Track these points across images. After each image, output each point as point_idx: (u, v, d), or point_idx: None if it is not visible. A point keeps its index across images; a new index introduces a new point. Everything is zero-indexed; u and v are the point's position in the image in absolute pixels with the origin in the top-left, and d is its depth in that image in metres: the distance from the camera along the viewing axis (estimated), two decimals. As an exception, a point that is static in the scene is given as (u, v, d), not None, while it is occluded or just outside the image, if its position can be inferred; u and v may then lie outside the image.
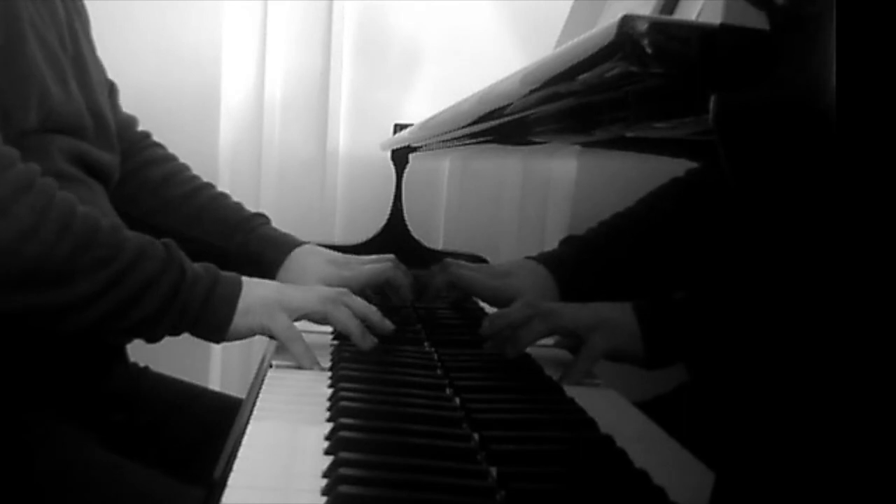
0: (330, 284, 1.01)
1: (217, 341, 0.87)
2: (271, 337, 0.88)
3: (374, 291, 1.08)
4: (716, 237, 0.66)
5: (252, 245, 1.08)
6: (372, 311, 0.89)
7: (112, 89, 1.14)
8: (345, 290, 0.91)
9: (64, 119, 0.90)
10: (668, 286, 0.80)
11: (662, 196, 0.81)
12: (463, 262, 1.07)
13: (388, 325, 0.90)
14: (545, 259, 1.00)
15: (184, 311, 0.83)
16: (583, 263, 0.98)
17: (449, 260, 1.06)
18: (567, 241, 1.01)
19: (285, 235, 1.11)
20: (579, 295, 0.93)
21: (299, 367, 0.85)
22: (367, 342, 0.87)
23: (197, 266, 0.86)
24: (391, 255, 1.08)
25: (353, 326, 0.87)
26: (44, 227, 0.75)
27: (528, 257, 1.01)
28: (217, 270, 0.87)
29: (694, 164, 0.73)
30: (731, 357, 0.59)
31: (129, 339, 0.86)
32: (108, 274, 0.79)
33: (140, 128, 1.20)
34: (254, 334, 0.87)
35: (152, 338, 0.85)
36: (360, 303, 0.89)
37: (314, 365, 0.85)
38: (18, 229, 0.74)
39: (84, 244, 0.78)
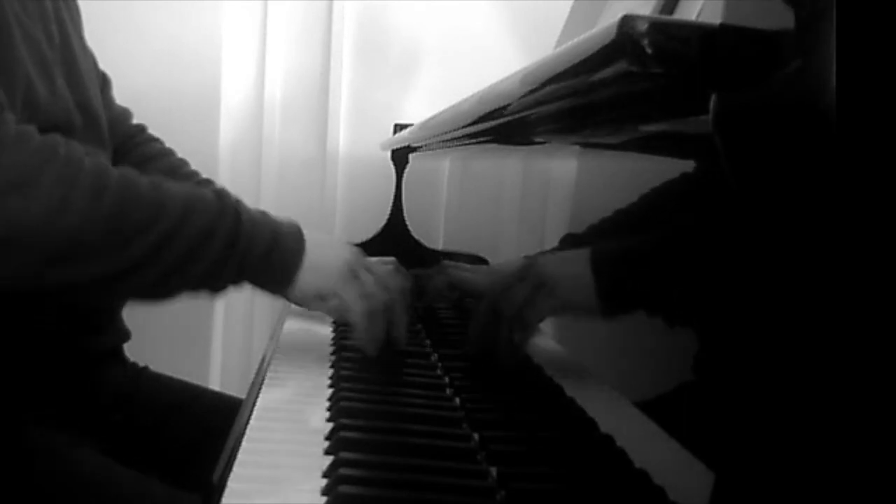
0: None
1: (283, 294, 0.83)
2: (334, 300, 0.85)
3: None
4: (716, 236, 0.66)
5: None
6: (403, 324, 0.87)
7: (105, 81, 1.13)
8: (401, 301, 0.88)
9: (51, 116, 0.88)
10: (672, 283, 0.79)
11: (661, 194, 0.81)
12: (461, 264, 1.07)
13: (401, 343, 0.87)
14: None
15: (244, 259, 0.79)
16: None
17: (447, 262, 1.06)
18: (566, 240, 1.02)
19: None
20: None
21: (300, 368, 0.84)
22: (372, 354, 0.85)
23: (255, 212, 0.82)
24: (392, 259, 1.08)
25: (368, 349, 0.85)
26: (75, 198, 0.71)
27: (526, 257, 1.02)
28: (276, 220, 0.83)
29: (694, 165, 0.73)
30: (732, 357, 0.59)
31: (197, 291, 0.80)
32: (156, 235, 0.75)
33: (135, 121, 1.19)
34: (317, 294, 0.84)
35: (217, 289, 0.81)
36: (401, 321, 0.87)
37: (375, 349, 0.83)
38: (48, 206, 0.70)
39: (124, 207, 0.74)
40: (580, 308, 0.82)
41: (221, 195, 0.81)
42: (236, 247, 0.78)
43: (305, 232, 0.84)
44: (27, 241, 0.69)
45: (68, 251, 0.72)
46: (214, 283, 0.80)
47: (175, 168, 1.16)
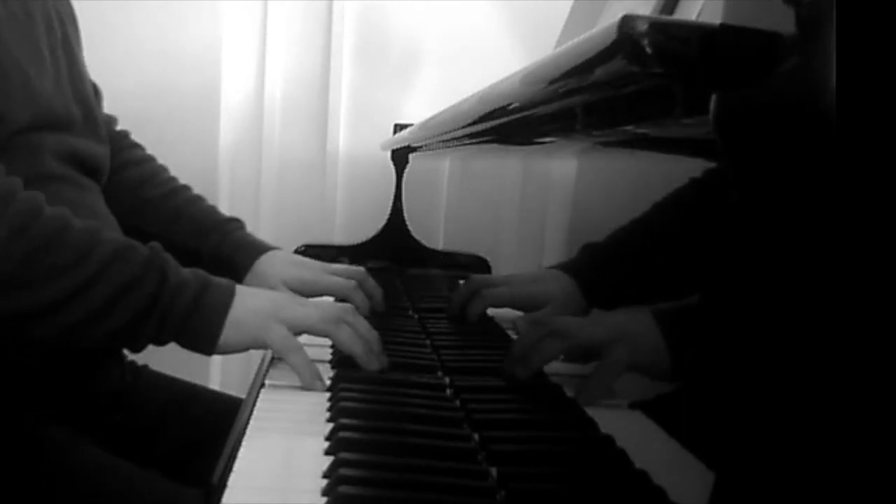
0: (290, 284, 1.02)
1: (208, 353, 0.82)
2: (267, 349, 0.83)
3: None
4: (721, 238, 0.66)
5: (225, 248, 1.08)
6: (374, 338, 0.83)
7: (96, 92, 1.14)
8: (349, 307, 0.86)
9: (52, 114, 0.88)
10: (687, 288, 0.79)
11: (678, 199, 0.81)
12: (488, 277, 1.07)
13: (383, 359, 0.83)
14: (566, 267, 1.00)
15: (164, 319, 0.78)
16: (603, 268, 0.97)
17: (475, 277, 1.06)
18: (586, 248, 1.02)
19: (257, 240, 1.12)
20: (603, 300, 0.93)
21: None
22: (373, 363, 0.81)
23: (186, 272, 0.81)
24: (361, 269, 1.07)
25: (357, 348, 0.81)
26: None
27: (549, 267, 1.02)
28: (208, 277, 0.81)
29: (694, 165, 0.73)
30: (732, 357, 0.59)
31: (112, 347, 0.81)
32: (71, 281, 0.74)
33: (126, 125, 1.19)
34: (247, 348, 0.82)
35: (134, 347, 0.81)
36: (363, 324, 0.83)
37: (315, 379, 0.78)
38: None
39: (45, 247, 0.74)
40: (651, 369, 0.79)
41: (154, 251, 0.80)
42: (156, 306, 0.77)
43: (238, 289, 0.82)
44: None
45: None
46: (132, 339, 0.79)
47: (154, 174, 1.16)
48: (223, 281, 0.82)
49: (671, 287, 0.80)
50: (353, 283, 1.03)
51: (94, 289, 0.75)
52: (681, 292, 0.77)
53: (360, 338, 0.82)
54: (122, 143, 1.16)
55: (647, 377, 0.80)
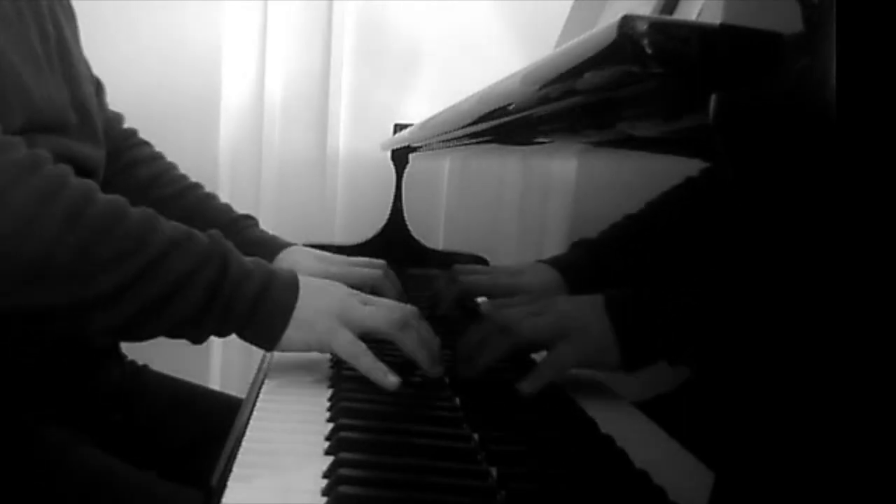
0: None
1: (268, 349, 0.79)
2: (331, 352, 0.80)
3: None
4: (720, 237, 0.66)
5: (242, 247, 1.07)
6: (436, 343, 0.81)
7: (99, 87, 1.13)
8: (414, 309, 0.82)
9: (47, 115, 0.87)
10: (676, 286, 0.79)
11: (672, 197, 0.81)
12: (470, 267, 1.07)
13: (438, 369, 0.81)
14: (554, 261, 1.00)
15: (228, 312, 0.74)
16: (592, 265, 0.97)
17: (458, 267, 1.05)
18: (577, 245, 1.02)
19: (274, 237, 1.11)
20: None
21: (300, 368, 0.84)
22: (437, 369, 0.79)
23: (248, 262, 0.77)
24: (382, 262, 1.06)
25: (421, 355, 0.79)
26: (50, 215, 0.67)
27: (538, 261, 1.02)
28: (270, 269, 0.78)
29: (693, 165, 0.73)
30: (733, 357, 0.59)
31: (176, 338, 0.75)
32: (131, 269, 0.70)
33: (126, 125, 1.19)
34: (310, 350, 0.79)
35: (197, 339, 0.77)
36: (427, 329, 0.81)
37: (386, 377, 0.76)
38: (19, 218, 0.66)
39: (101, 235, 0.70)
40: (601, 364, 0.78)
41: (214, 239, 0.76)
42: (217, 298, 0.74)
43: (302, 281, 0.79)
44: None
45: (35, 272, 0.68)
46: (193, 331, 0.75)
47: (163, 171, 1.15)
48: (287, 274, 0.79)
49: (661, 283, 0.80)
50: (380, 272, 1.02)
51: (150, 280, 0.71)
52: (670, 291, 0.77)
53: (424, 343, 0.80)
54: (129, 141, 1.16)
55: (597, 369, 0.80)
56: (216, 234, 0.78)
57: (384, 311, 0.80)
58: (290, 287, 0.78)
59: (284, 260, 1.05)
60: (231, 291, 0.74)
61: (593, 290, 0.91)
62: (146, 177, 1.12)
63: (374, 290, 1.01)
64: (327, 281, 0.84)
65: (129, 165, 1.12)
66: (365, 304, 0.81)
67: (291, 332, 0.77)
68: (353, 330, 0.78)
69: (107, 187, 1.05)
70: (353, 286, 0.94)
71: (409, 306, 0.83)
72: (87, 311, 0.71)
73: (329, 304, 0.78)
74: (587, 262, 0.98)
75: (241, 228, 1.10)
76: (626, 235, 0.89)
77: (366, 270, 1.03)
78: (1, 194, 0.66)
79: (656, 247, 0.83)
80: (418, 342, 0.79)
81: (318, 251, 1.08)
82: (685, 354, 0.73)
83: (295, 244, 1.09)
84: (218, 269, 0.74)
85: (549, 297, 0.88)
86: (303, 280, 0.79)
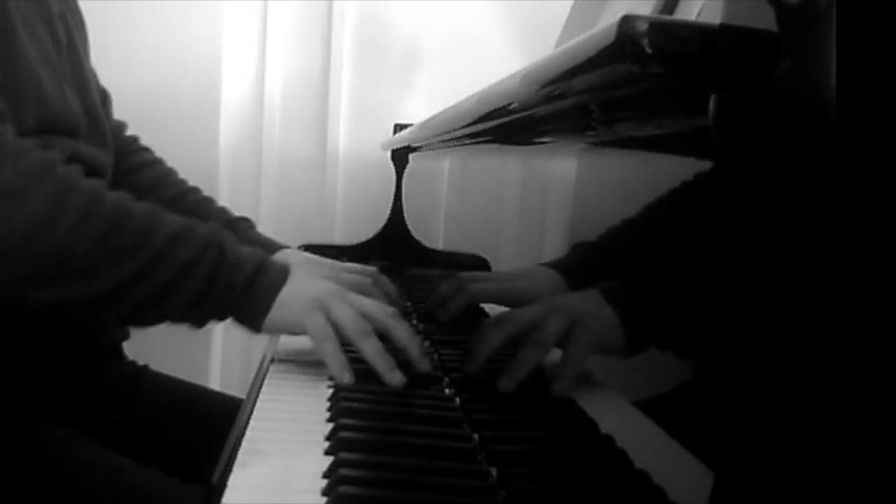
0: None
1: (255, 330, 0.82)
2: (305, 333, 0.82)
3: None
4: (720, 236, 0.66)
5: None
6: (416, 343, 0.81)
7: (105, 98, 1.14)
8: (394, 310, 0.84)
9: (60, 119, 0.89)
10: (675, 285, 0.79)
11: (672, 198, 0.81)
12: (476, 274, 1.07)
13: (426, 364, 0.81)
14: (556, 264, 1.00)
15: (224, 296, 0.79)
16: (593, 267, 0.97)
17: (463, 275, 1.06)
18: (577, 247, 1.02)
19: (269, 239, 1.12)
20: None
21: (300, 368, 0.84)
22: (396, 379, 0.78)
23: (245, 250, 0.82)
24: (374, 269, 1.07)
25: (380, 365, 0.79)
26: (64, 214, 0.72)
27: (539, 264, 1.02)
28: (265, 256, 0.83)
29: (694, 164, 0.73)
30: (733, 357, 0.59)
31: (179, 323, 0.80)
32: (139, 262, 0.75)
33: (129, 132, 1.21)
34: (288, 330, 0.82)
35: (199, 323, 0.81)
36: (406, 328, 0.82)
37: (343, 371, 0.78)
38: (36, 218, 0.70)
39: (110, 231, 0.74)
40: (610, 348, 0.79)
41: (213, 230, 0.81)
42: (215, 284, 0.78)
43: (293, 270, 0.82)
44: (12, 253, 0.70)
45: (51, 269, 0.72)
46: (196, 317, 0.80)
47: (165, 176, 1.18)
48: (280, 261, 0.84)
49: (656, 274, 0.80)
50: (369, 279, 1.03)
51: (157, 270, 0.76)
52: (668, 277, 0.78)
53: (385, 354, 0.80)
54: (131, 147, 1.18)
55: (606, 354, 0.80)
56: (214, 224, 0.82)
57: (354, 316, 0.81)
58: (279, 272, 0.82)
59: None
60: (228, 277, 0.79)
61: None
62: (147, 181, 1.15)
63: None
64: (320, 278, 0.86)
65: (132, 170, 1.14)
66: (347, 304, 0.82)
67: (275, 312, 0.80)
68: (328, 316, 0.80)
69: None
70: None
71: (390, 308, 0.85)
72: (99, 303, 0.75)
73: (312, 291, 0.82)
74: (589, 264, 0.98)
75: (237, 231, 1.11)
76: (628, 237, 0.89)
77: (355, 277, 1.03)
78: (21, 196, 0.71)
79: (658, 248, 0.83)
80: (377, 353, 0.79)
81: (311, 255, 1.09)
82: (682, 340, 0.73)
83: (289, 247, 1.10)
84: (216, 256, 0.78)
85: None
86: (293, 267, 0.83)
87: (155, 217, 0.78)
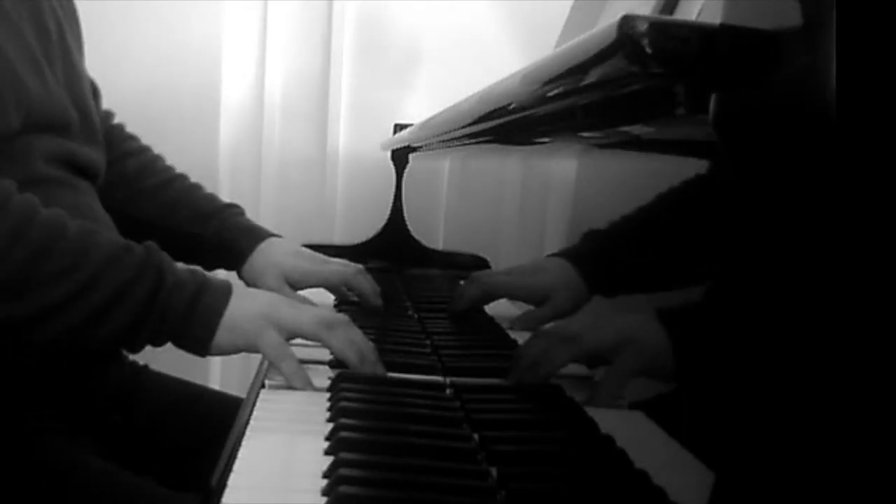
0: (289, 275, 1.03)
1: (201, 355, 0.81)
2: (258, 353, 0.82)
3: (337, 296, 1.10)
4: (721, 235, 0.66)
5: (225, 233, 1.08)
6: (369, 348, 0.81)
7: (95, 91, 1.13)
8: (343, 316, 0.84)
9: (47, 116, 0.87)
10: (687, 277, 0.78)
11: (682, 190, 0.80)
12: (489, 272, 1.07)
13: (380, 369, 0.81)
14: (567, 254, 1.00)
15: (162, 320, 0.78)
16: (604, 254, 0.97)
17: (478, 273, 1.06)
18: (588, 235, 1.01)
19: (258, 226, 1.12)
20: (605, 286, 0.92)
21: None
22: (368, 366, 0.80)
23: (183, 272, 0.80)
24: (360, 266, 1.08)
25: (350, 354, 0.80)
26: None
27: (550, 255, 1.02)
28: (205, 278, 0.81)
29: (693, 165, 0.73)
30: (733, 357, 0.59)
31: (112, 348, 0.81)
32: (71, 284, 0.74)
33: (123, 123, 1.19)
34: (239, 351, 0.81)
35: (132, 348, 0.81)
36: (357, 334, 0.82)
37: (307, 385, 0.78)
38: None
39: (41, 253, 0.73)
40: (660, 373, 0.77)
41: (150, 252, 0.79)
42: (153, 308, 0.77)
43: (235, 289, 0.81)
44: None
45: None
46: (131, 340, 0.79)
47: (151, 163, 1.16)
48: (220, 282, 0.81)
49: (672, 275, 0.80)
50: (353, 269, 1.04)
51: (91, 292, 0.75)
52: (681, 281, 0.77)
53: (354, 344, 0.80)
54: (119, 136, 1.17)
55: (652, 379, 0.80)
56: (152, 245, 0.80)
57: (310, 313, 0.82)
58: (221, 293, 0.80)
59: (263, 251, 1.07)
60: (166, 301, 0.77)
61: (608, 280, 0.91)
62: (133, 169, 1.13)
63: (349, 286, 1.04)
64: (259, 290, 0.87)
65: (118, 159, 1.12)
66: (295, 308, 0.82)
67: (221, 335, 0.79)
68: (281, 332, 0.79)
69: None
70: (326, 281, 0.95)
71: (341, 315, 0.85)
72: (27, 325, 0.75)
73: (257, 307, 0.80)
74: (600, 253, 0.98)
75: (226, 216, 1.10)
76: (638, 225, 0.89)
77: (338, 268, 1.04)
78: None
79: (666, 238, 0.83)
80: (346, 343, 0.80)
81: (297, 246, 1.10)
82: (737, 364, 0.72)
83: (278, 236, 1.10)
84: (153, 280, 0.77)
85: (575, 295, 0.89)
86: (235, 287, 0.81)
87: (90, 237, 0.77)
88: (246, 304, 0.80)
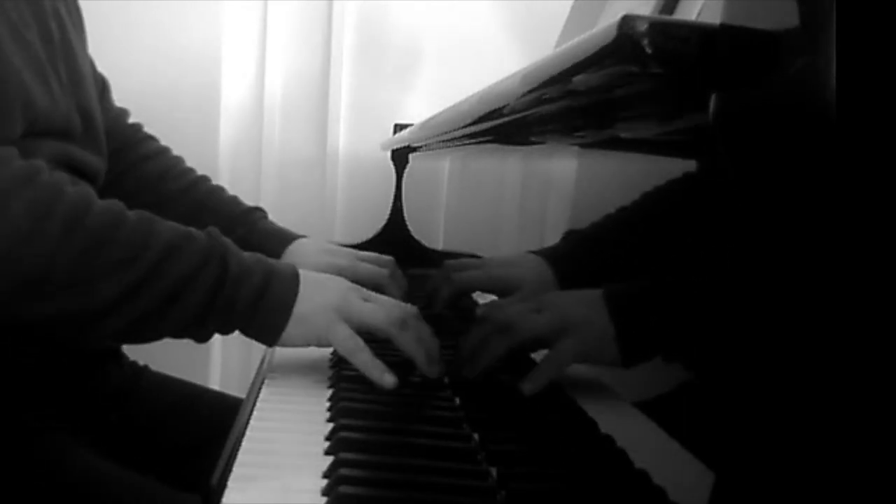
0: (323, 272, 1.01)
1: (269, 345, 0.79)
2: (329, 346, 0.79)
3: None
4: (716, 235, 0.66)
5: (252, 239, 1.07)
6: (435, 344, 0.80)
7: (104, 85, 1.13)
8: (414, 309, 0.82)
9: (51, 122, 0.86)
10: (675, 282, 0.78)
11: (664, 192, 0.80)
12: (463, 261, 1.07)
13: (441, 367, 0.80)
14: (544, 253, 1.00)
15: (229, 310, 0.74)
16: (581, 256, 0.98)
17: (449, 262, 1.05)
18: (567, 236, 1.02)
19: (284, 229, 1.12)
20: (576, 287, 0.92)
21: (300, 369, 0.84)
22: (434, 370, 0.79)
23: (247, 258, 0.77)
24: (390, 258, 1.07)
25: (420, 355, 0.78)
26: (46, 226, 0.67)
27: (528, 252, 1.02)
28: (270, 264, 0.78)
29: (694, 164, 0.73)
30: (733, 357, 0.59)
31: (180, 338, 0.75)
32: (133, 275, 0.70)
33: (131, 120, 1.19)
34: (309, 345, 0.79)
35: (201, 338, 0.77)
36: (426, 330, 0.80)
37: (383, 375, 0.76)
38: (17, 230, 0.66)
39: (100, 243, 0.69)
40: (600, 359, 0.78)
41: (213, 238, 0.76)
42: (219, 297, 0.74)
43: (302, 276, 0.78)
44: None
45: (36, 284, 0.67)
46: (198, 330, 0.75)
47: (171, 166, 1.16)
48: (286, 268, 0.79)
49: (659, 280, 0.80)
50: (385, 271, 1.03)
51: (153, 283, 0.71)
52: (670, 286, 0.77)
53: (422, 343, 0.79)
54: (136, 136, 1.16)
55: (596, 364, 0.80)
56: (214, 231, 0.78)
57: (384, 309, 0.79)
58: (290, 283, 0.77)
59: (293, 252, 1.06)
60: (232, 290, 0.74)
61: (583, 281, 0.91)
62: (155, 172, 1.13)
63: (377, 289, 1.01)
64: (327, 275, 0.83)
65: (139, 161, 1.12)
66: (365, 300, 0.80)
67: (291, 329, 0.77)
68: (351, 325, 0.77)
69: (117, 183, 1.05)
70: (358, 281, 0.95)
71: (409, 306, 0.83)
72: (90, 320, 0.71)
73: (328, 299, 0.78)
74: (578, 254, 0.98)
75: (251, 221, 1.10)
76: (620, 229, 0.89)
77: (373, 268, 1.03)
78: (0, 207, 0.66)
79: (650, 242, 0.83)
80: (416, 342, 0.79)
81: (327, 244, 1.09)
82: (682, 352, 0.73)
83: (304, 236, 1.10)
84: (218, 268, 0.74)
85: (545, 293, 0.88)
86: (303, 274, 0.79)
87: (149, 226, 0.73)
88: (316, 296, 0.78)
